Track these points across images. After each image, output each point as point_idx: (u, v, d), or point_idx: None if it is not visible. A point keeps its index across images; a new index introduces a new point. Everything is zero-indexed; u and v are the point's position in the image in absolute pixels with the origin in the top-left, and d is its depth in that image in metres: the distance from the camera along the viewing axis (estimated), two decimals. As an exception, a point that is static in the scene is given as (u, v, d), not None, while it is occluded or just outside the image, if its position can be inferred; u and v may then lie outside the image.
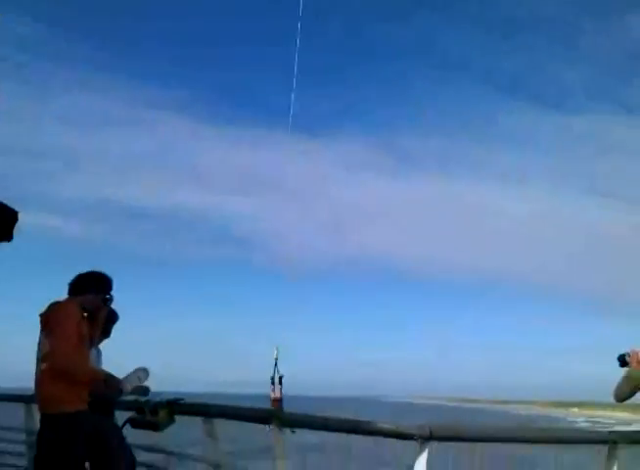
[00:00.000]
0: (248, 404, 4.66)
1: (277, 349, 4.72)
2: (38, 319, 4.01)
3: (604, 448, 4.61)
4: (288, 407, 4.39)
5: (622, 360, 4.70)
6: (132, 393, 4.32)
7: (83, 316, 4.06)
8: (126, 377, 4.22)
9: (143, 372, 4.34)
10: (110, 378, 4.13)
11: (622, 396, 4.66)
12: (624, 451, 4.57)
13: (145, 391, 4.42)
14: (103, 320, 4.28)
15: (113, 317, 4.56)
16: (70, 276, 4.20)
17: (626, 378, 4.64)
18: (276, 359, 5.40)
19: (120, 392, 4.15)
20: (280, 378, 6.50)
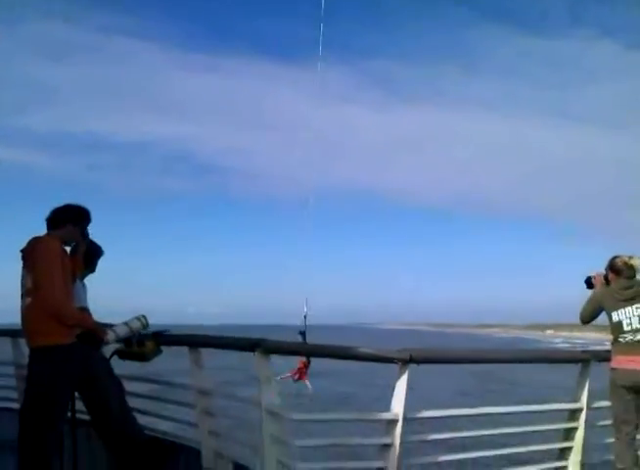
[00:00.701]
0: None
1: (306, 302, 4.71)
2: (19, 255, 4.00)
3: (578, 366, 4.84)
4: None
5: (589, 283, 4.90)
6: (119, 341, 4.26)
7: (64, 250, 4.05)
8: (117, 325, 4.17)
9: (137, 321, 4.29)
10: (95, 327, 4.05)
11: (587, 316, 4.86)
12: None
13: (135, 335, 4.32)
14: (83, 252, 4.26)
15: (97, 251, 4.53)
16: (46, 210, 4.14)
17: (590, 300, 4.83)
18: (305, 316, 5.38)
19: (101, 342, 4.05)
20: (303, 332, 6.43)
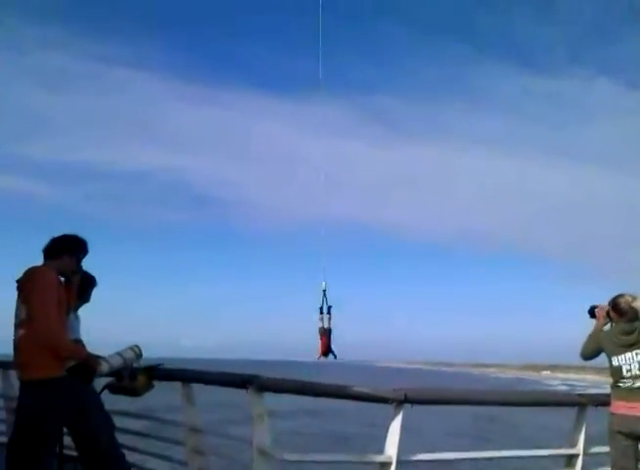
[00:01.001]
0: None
1: (324, 282, 4.95)
2: (15, 285, 3.99)
3: (574, 410, 4.78)
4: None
5: (592, 312, 4.88)
6: (110, 374, 4.20)
7: (60, 281, 4.03)
8: (111, 356, 4.12)
9: (130, 352, 4.25)
10: (89, 358, 3.99)
11: (588, 354, 4.81)
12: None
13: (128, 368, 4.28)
14: (78, 283, 4.25)
15: (91, 281, 4.52)
16: (43, 239, 4.15)
17: (591, 337, 4.80)
18: (324, 290, 5.73)
19: (94, 374, 3.98)
20: (329, 308, 7.10)
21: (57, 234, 4.17)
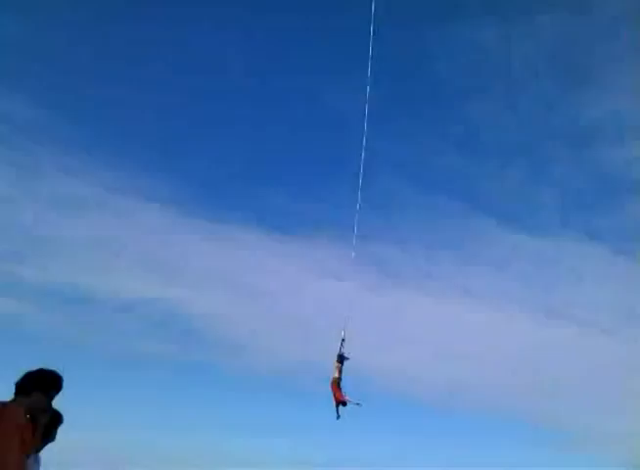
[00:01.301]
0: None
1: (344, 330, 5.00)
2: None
3: None
4: None
5: None
6: None
7: (27, 421, 3.90)
8: None
9: None
10: None
11: None
12: None
13: None
14: (45, 423, 4.11)
15: (57, 420, 4.35)
16: (28, 363, 4.06)
17: None
18: (343, 339, 5.73)
19: None
20: (345, 358, 7.09)
21: (32, 369, 4.09)
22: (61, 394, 4.21)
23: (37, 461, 4.26)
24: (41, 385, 4.04)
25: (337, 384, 7.68)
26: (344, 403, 7.77)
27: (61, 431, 4.42)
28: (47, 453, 4.36)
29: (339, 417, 7.72)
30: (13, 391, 4.00)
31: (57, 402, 4.23)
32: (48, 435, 4.27)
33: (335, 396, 7.65)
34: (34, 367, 4.13)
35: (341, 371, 7.56)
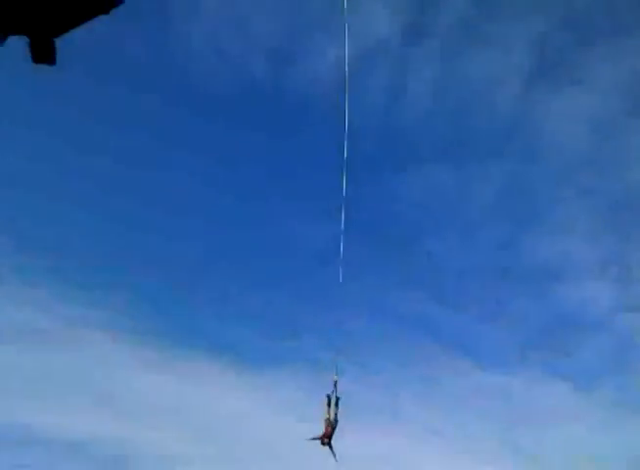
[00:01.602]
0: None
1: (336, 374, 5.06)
2: None
3: None
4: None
5: None
6: None
7: None
8: None
9: None
10: None
11: None
12: None
13: None
14: None
15: None
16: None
17: None
18: (335, 382, 5.80)
19: None
20: (337, 399, 7.88)
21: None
22: None
23: None
24: None
25: (331, 427, 7.19)
26: (328, 445, 7.27)
27: None
28: None
29: (337, 460, 7.24)
30: None
31: None
32: None
33: (325, 435, 7.15)
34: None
35: (329, 413, 7.18)
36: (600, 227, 50.03)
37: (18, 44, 3.83)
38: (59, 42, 3.95)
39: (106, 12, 3.90)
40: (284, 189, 55.60)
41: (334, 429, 7.08)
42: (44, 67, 4.06)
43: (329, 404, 7.18)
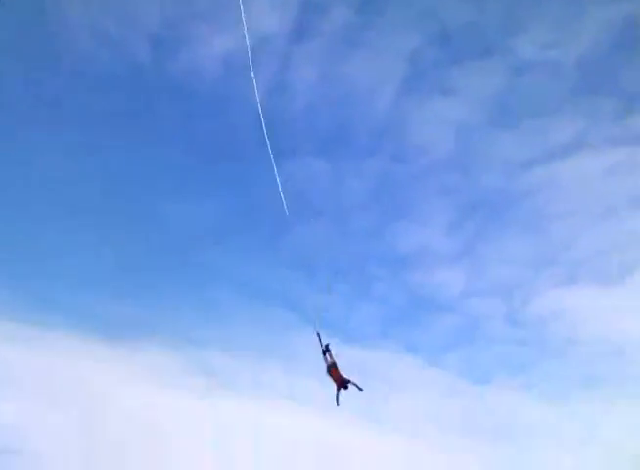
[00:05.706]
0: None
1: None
2: None
3: None
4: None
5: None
6: None
7: None
8: None
9: None
10: None
11: None
12: None
13: None
14: None
15: None
16: None
17: None
18: (318, 333, 6.06)
19: None
20: (327, 345, 9.37)
21: None
22: None
23: None
24: None
25: (335, 368, 8.02)
26: (346, 386, 8.11)
27: None
28: None
29: (338, 404, 7.88)
30: None
31: None
32: None
33: (336, 380, 7.91)
34: None
35: (332, 357, 7.91)
36: (456, 222, 55.26)
37: None
38: None
39: None
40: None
41: (336, 368, 7.90)
42: None
43: (324, 354, 8.06)
